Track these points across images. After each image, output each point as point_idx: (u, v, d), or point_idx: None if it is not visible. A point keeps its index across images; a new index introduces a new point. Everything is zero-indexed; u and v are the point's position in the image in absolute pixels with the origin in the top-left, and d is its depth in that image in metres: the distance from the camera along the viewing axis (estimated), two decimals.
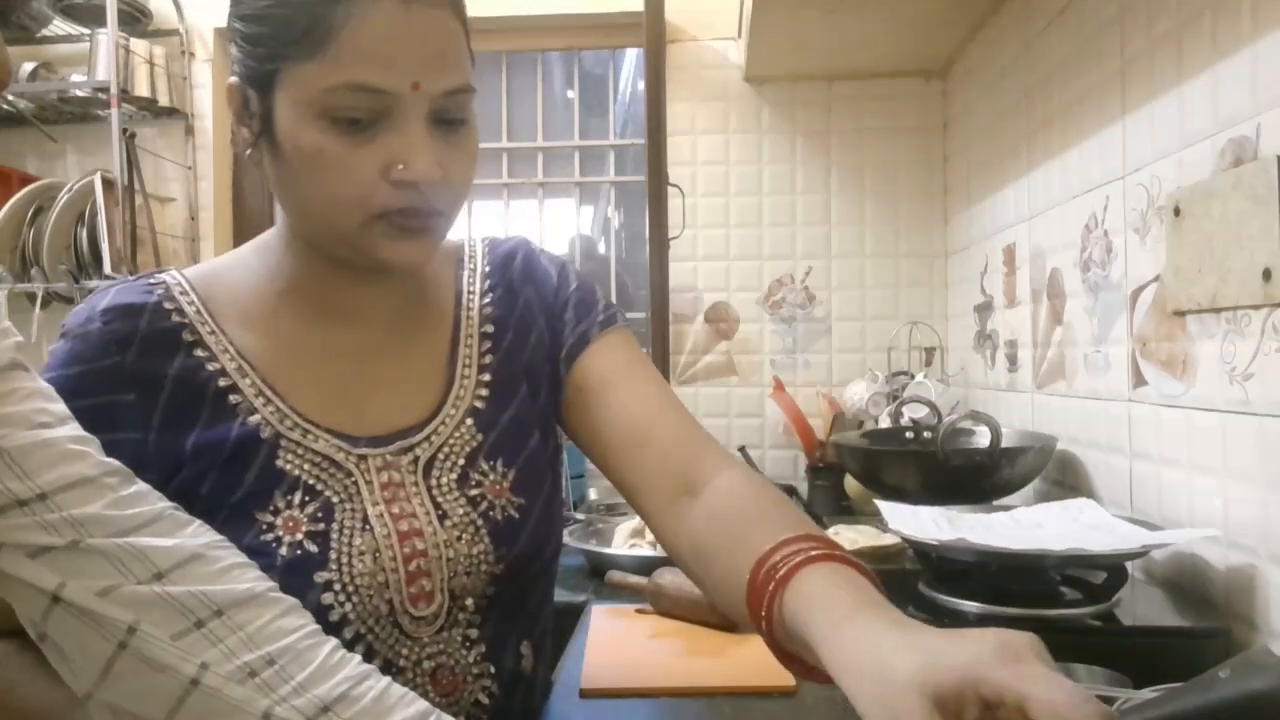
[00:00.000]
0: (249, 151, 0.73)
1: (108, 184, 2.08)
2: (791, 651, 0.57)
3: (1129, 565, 0.98)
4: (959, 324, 2.05)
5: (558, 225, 2.39)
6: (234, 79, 0.72)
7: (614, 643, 1.09)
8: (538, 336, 0.84)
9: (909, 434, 1.64)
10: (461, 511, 0.75)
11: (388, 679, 0.63)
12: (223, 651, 0.58)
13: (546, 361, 0.84)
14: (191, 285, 0.77)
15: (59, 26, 2.24)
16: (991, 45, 1.78)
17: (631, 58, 2.39)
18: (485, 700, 0.75)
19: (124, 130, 2.06)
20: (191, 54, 2.29)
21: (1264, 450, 0.88)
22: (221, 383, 0.73)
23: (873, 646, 0.49)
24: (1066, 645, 0.83)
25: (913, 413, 1.68)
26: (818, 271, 2.19)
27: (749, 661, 1.01)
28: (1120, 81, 1.19)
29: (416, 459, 0.76)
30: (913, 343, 2.13)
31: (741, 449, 2.08)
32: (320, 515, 0.71)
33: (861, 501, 1.86)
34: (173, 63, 2.25)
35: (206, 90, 2.30)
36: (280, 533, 0.70)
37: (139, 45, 2.16)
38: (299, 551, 0.69)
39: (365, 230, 0.69)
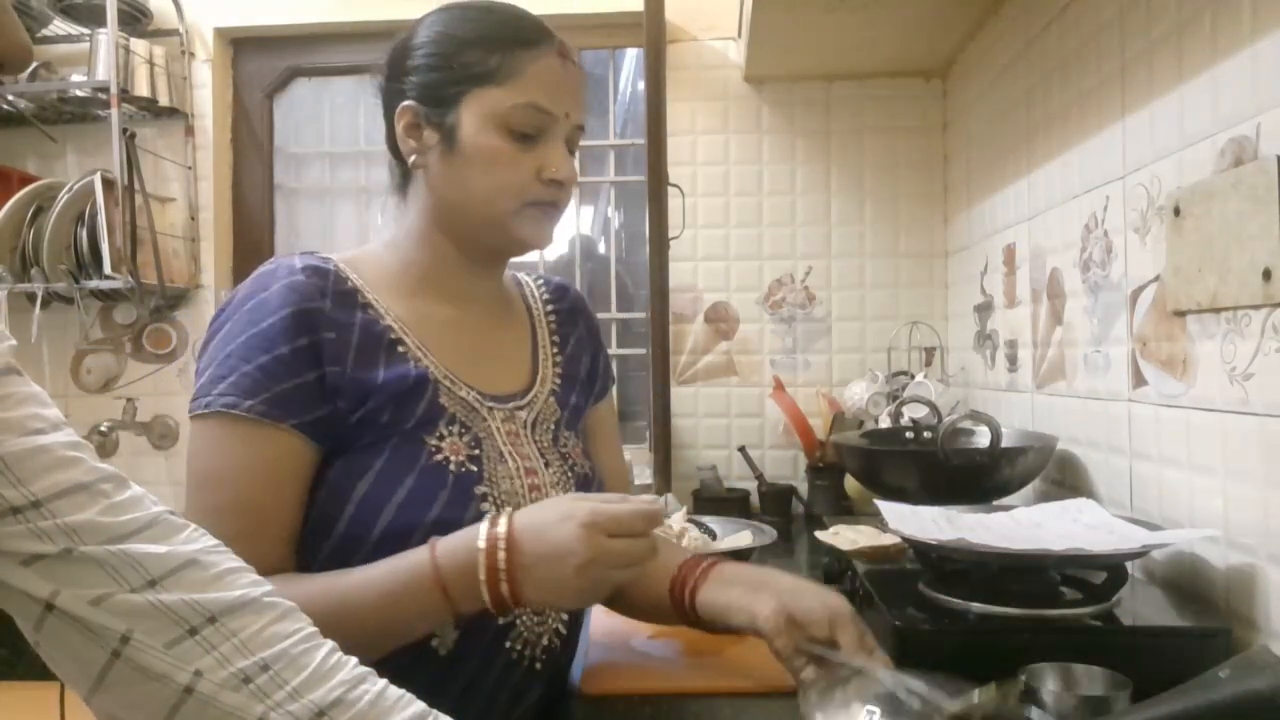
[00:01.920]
0: (413, 158, 0.92)
1: (108, 184, 2.08)
2: (705, 620, 0.92)
3: (1129, 565, 0.98)
4: (959, 324, 2.05)
5: (558, 225, 2.39)
6: (410, 102, 0.92)
7: (614, 643, 1.09)
8: (589, 362, 1.09)
9: (909, 434, 1.64)
10: (558, 464, 0.96)
11: (384, 681, 0.63)
12: (216, 659, 0.58)
13: (587, 387, 1.07)
14: (346, 264, 0.93)
15: (59, 26, 2.24)
16: (991, 45, 1.78)
17: (631, 58, 2.39)
18: (554, 641, 0.91)
19: (124, 130, 2.06)
20: (191, 54, 2.29)
21: (1264, 450, 0.88)
22: (392, 336, 0.90)
23: (742, 597, 0.89)
24: (1066, 645, 0.84)
25: (913, 413, 1.68)
26: (818, 271, 2.19)
27: (749, 661, 1.01)
28: (1120, 81, 1.19)
29: (524, 419, 0.96)
30: (913, 343, 2.13)
31: (741, 449, 2.08)
32: (473, 445, 0.89)
33: (861, 501, 1.86)
34: (173, 63, 2.25)
35: (206, 90, 2.30)
36: (448, 454, 0.87)
37: (139, 45, 2.16)
38: (464, 470, 0.87)
39: (517, 214, 0.92)
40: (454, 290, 0.97)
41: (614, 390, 1.14)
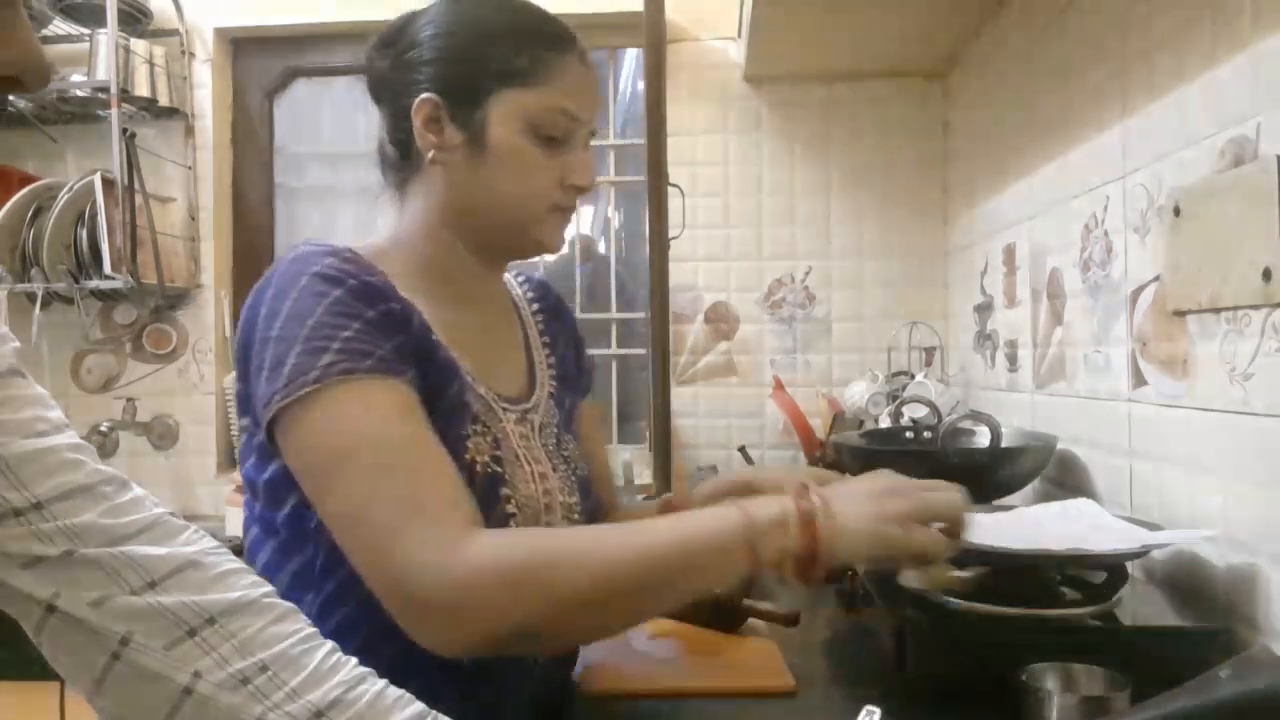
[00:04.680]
0: (432, 154, 0.88)
1: (108, 184, 2.08)
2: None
3: (1129, 565, 0.98)
4: (959, 324, 2.05)
5: None
6: (429, 95, 0.87)
7: (614, 642, 1.09)
8: (574, 359, 1.07)
9: (909, 434, 1.63)
10: (563, 468, 0.94)
11: (384, 681, 0.63)
12: (215, 660, 0.58)
13: (575, 385, 1.06)
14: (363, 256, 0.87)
15: (59, 26, 2.24)
16: (991, 45, 1.78)
17: (631, 58, 2.39)
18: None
19: (124, 130, 2.06)
20: (191, 54, 2.29)
21: (1264, 450, 0.88)
22: (424, 321, 0.85)
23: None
24: (1066, 645, 0.84)
25: (913, 413, 1.68)
26: (818, 271, 2.19)
27: (749, 661, 1.01)
28: (1120, 81, 1.19)
29: (534, 422, 0.94)
30: (913, 343, 2.13)
31: (741, 449, 2.08)
32: (495, 446, 0.87)
33: None
34: (173, 63, 2.25)
35: (206, 90, 2.30)
36: (474, 454, 0.84)
37: (139, 45, 2.16)
38: (489, 470, 0.85)
39: (540, 218, 0.90)
40: (461, 289, 0.93)
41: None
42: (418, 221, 0.92)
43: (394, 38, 0.90)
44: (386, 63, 0.91)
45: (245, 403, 0.81)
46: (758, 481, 0.93)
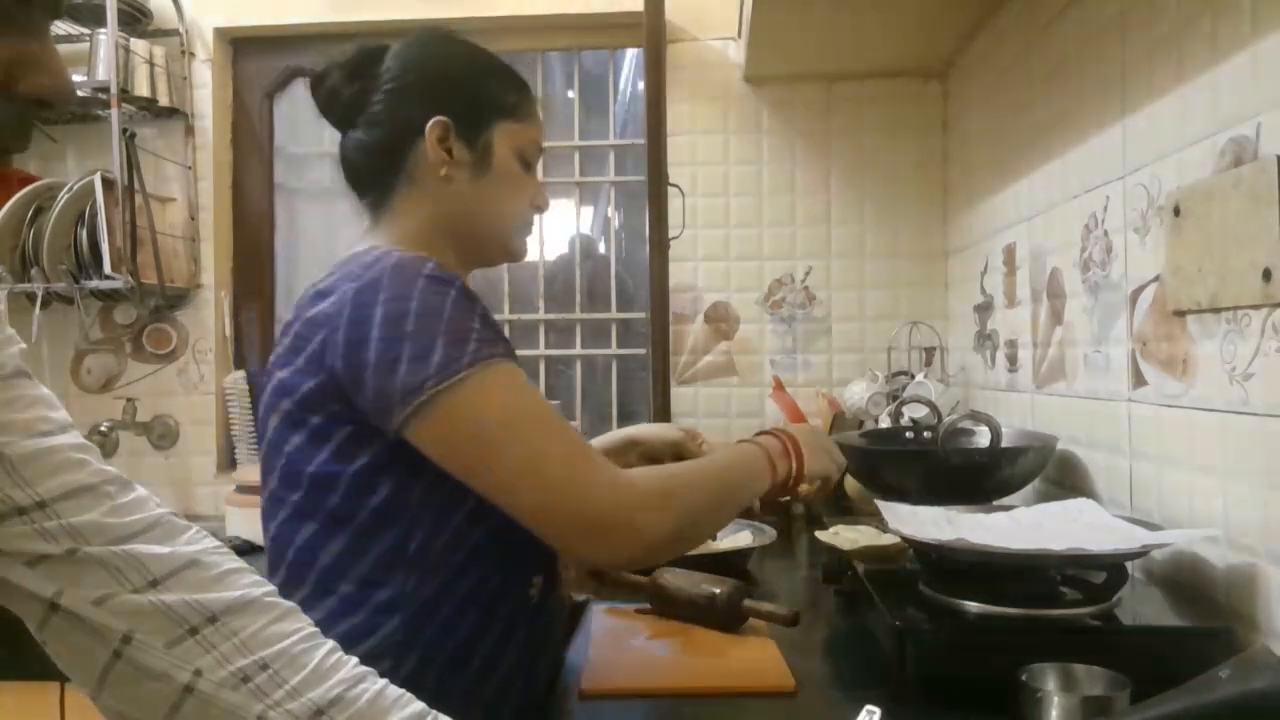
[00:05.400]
0: (444, 170, 0.98)
1: (108, 184, 2.08)
2: None
3: (1129, 565, 0.98)
4: (959, 324, 2.05)
5: (558, 225, 2.39)
6: (443, 116, 0.98)
7: (614, 643, 1.09)
8: None
9: (909, 434, 1.63)
10: None
11: (384, 681, 0.64)
12: (216, 658, 0.59)
13: None
14: None
15: (59, 26, 2.24)
16: (991, 45, 1.78)
17: (631, 58, 2.39)
18: (569, 601, 1.14)
19: (124, 130, 2.06)
20: (191, 54, 2.29)
21: (1264, 450, 0.88)
22: None
23: None
24: (1066, 645, 0.84)
25: (913, 413, 1.68)
26: (818, 271, 2.19)
27: (749, 661, 1.01)
28: (1120, 81, 1.19)
29: None
30: (913, 343, 2.13)
31: None
32: None
33: (861, 501, 1.86)
34: (173, 63, 2.25)
35: (206, 90, 2.30)
36: None
37: (139, 45, 2.16)
38: None
39: (518, 230, 1.06)
40: None
41: None
42: (415, 229, 1.00)
43: (364, 69, 1.00)
44: (356, 87, 1.00)
45: (324, 399, 0.86)
46: (639, 436, 1.28)
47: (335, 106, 1.01)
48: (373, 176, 1.02)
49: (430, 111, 0.97)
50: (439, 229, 1.00)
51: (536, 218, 1.10)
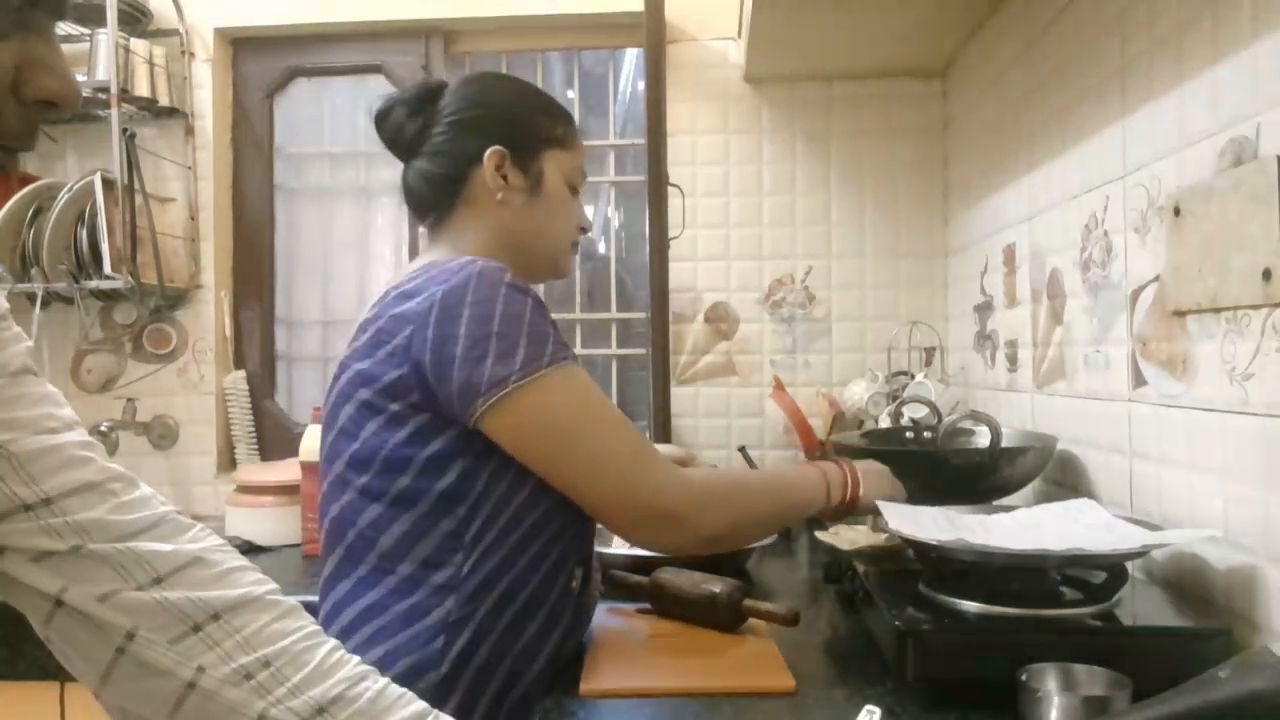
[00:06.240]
0: (500, 195, 1.08)
1: (108, 184, 2.08)
2: None
3: (1129, 565, 0.98)
4: (959, 324, 2.05)
5: None
6: (500, 147, 1.07)
7: (614, 643, 1.09)
8: None
9: (909, 434, 1.63)
10: None
11: (386, 679, 0.64)
12: (219, 655, 0.59)
13: None
14: None
15: (59, 26, 2.24)
16: (991, 45, 1.78)
17: (631, 58, 2.39)
18: (594, 595, 1.12)
19: (124, 130, 2.06)
20: (191, 54, 2.29)
21: (1264, 450, 0.88)
22: None
23: None
24: (1066, 645, 0.84)
25: (913, 413, 1.68)
26: (818, 271, 2.19)
27: (749, 661, 1.01)
28: (1120, 81, 1.19)
29: None
30: (913, 343, 2.13)
31: (741, 449, 2.08)
32: None
33: None
34: (173, 63, 2.25)
35: (206, 90, 2.30)
36: None
37: (139, 45, 2.16)
38: None
39: (566, 250, 1.15)
40: None
41: None
42: (479, 246, 1.07)
43: (425, 104, 1.10)
44: (419, 122, 1.10)
45: (406, 389, 0.93)
46: None
47: (401, 139, 1.11)
48: (435, 200, 1.10)
49: (488, 142, 1.07)
50: (495, 247, 1.07)
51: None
